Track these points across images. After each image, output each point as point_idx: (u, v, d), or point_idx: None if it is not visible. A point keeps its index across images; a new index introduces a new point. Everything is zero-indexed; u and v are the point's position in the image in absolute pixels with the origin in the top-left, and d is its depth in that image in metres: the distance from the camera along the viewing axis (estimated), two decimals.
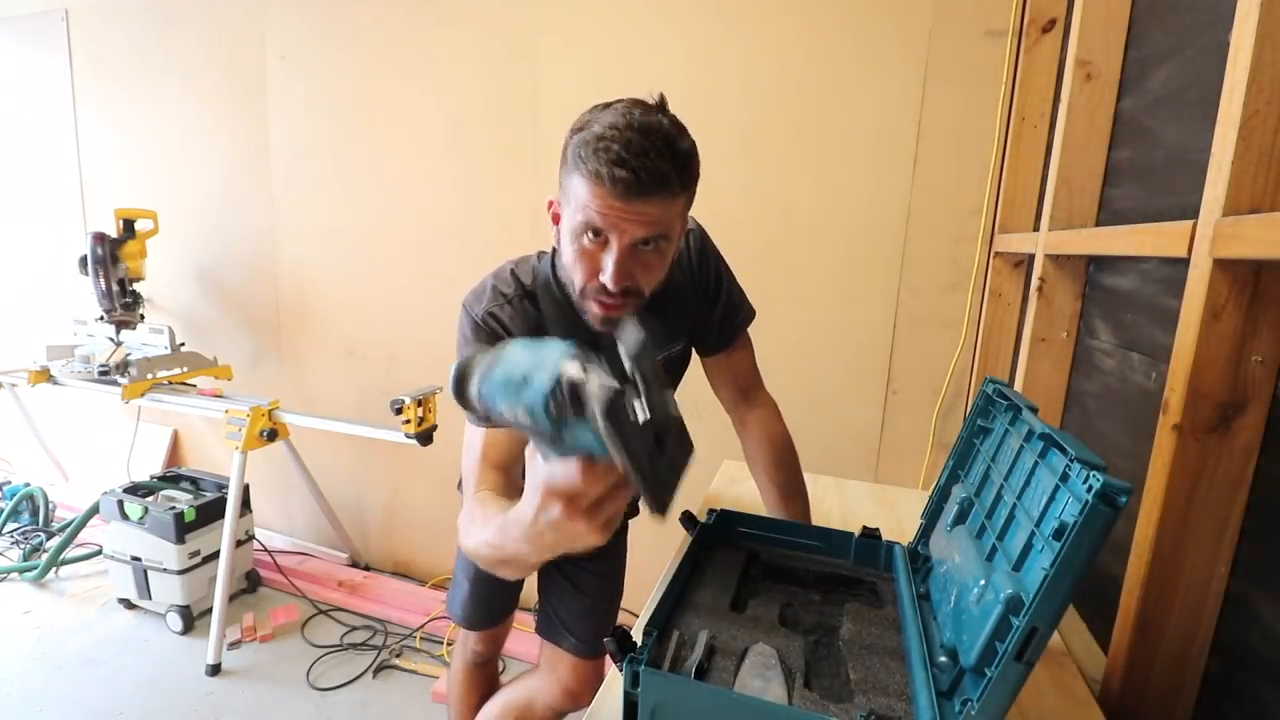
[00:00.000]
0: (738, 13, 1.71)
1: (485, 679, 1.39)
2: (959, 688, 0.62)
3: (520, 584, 1.23)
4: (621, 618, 2.22)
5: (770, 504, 1.10)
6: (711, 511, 0.92)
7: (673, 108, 0.78)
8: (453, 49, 2.05)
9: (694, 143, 0.77)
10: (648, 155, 0.70)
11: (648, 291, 0.81)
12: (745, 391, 1.12)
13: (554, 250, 0.88)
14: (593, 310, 0.81)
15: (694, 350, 1.09)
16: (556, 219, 0.82)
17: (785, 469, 1.10)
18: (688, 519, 0.92)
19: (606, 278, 0.76)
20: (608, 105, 0.75)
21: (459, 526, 0.72)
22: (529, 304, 0.89)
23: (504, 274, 0.92)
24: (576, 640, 1.18)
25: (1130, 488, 0.49)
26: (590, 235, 0.76)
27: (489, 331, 0.86)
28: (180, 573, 2.06)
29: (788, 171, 1.75)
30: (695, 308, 1.02)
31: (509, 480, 0.80)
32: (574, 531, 0.47)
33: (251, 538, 2.33)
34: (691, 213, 0.88)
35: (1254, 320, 0.65)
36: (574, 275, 0.80)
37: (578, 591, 1.19)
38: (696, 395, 1.10)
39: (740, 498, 1.33)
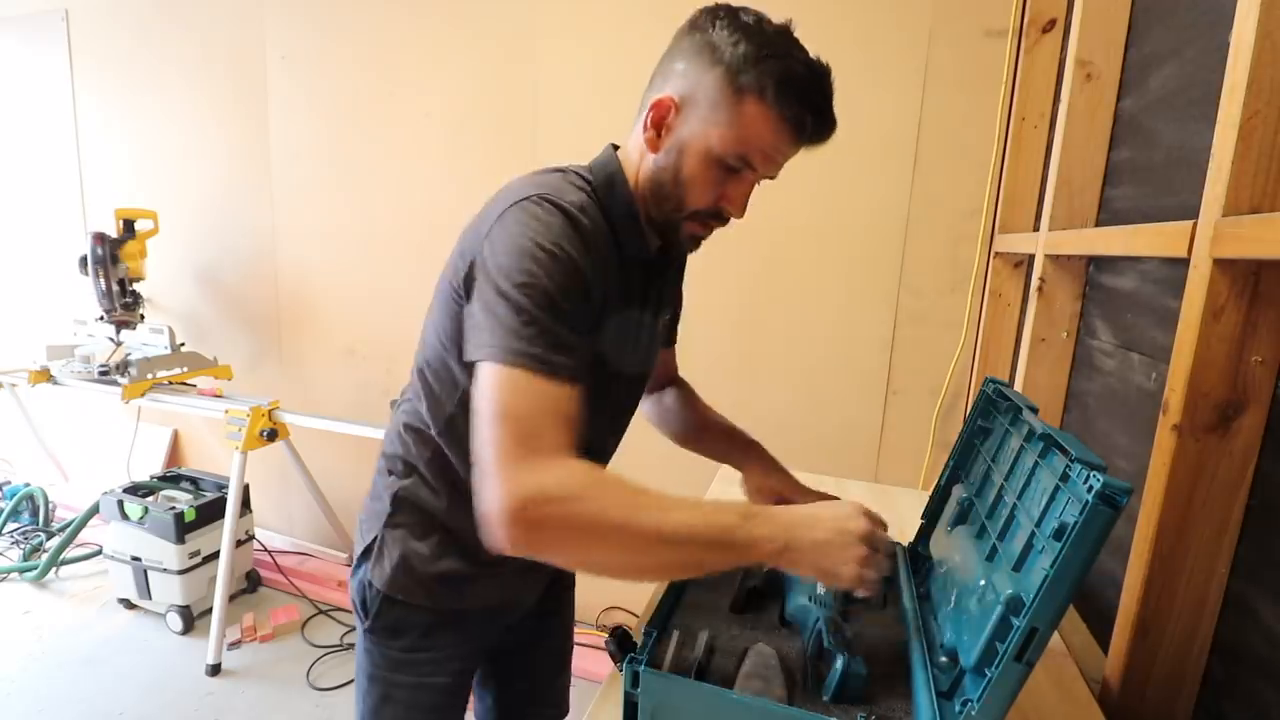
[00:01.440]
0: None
1: None
2: (959, 688, 0.62)
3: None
4: (622, 617, 2.22)
5: (714, 441, 1.02)
6: None
7: None
8: (453, 49, 2.05)
9: None
10: (831, 105, 0.67)
11: None
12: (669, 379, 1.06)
13: (609, 158, 0.75)
14: (693, 231, 0.74)
15: None
16: (661, 122, 0.69)
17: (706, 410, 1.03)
18: None
19: (735, 209, 0.71)
20: (759, 20, 0.68)
21: (588, 483, 0.55)
22: (594, 203, 0.71)
23: (551, 175, 0.73)
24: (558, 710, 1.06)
25: (1130, 488, 0.49)
26: (734, 166, 0.68)
27: (579, 224, 0.64)
28: (180, 573, 2.06)
29: (787, 172, 1.74)
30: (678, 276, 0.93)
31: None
32: (857, 550, 0.58)
33: (251, 538, 2.33)
34: None
35: (1254, 320, 0.64)
36: (686, 194, 0.70)
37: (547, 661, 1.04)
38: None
39: (739, 498, 1.32)
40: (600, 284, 0.66)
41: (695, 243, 0.76)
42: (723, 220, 0.73)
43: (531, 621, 0.95)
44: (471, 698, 0.97)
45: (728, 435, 1.00)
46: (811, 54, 0.68)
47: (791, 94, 0.64)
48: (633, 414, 0.90)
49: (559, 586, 1.00)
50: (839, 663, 0.63)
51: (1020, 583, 0.57)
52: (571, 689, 1.09)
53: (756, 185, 0.72)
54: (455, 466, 0.75)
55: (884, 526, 0.65)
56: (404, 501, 0.78)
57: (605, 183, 0.74)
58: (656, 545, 0.55)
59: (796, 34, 0.69)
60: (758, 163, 0.68)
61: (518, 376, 0.57)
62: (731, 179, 0.70)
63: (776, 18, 0.69)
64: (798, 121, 0.65)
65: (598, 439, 0.83)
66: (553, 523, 0.54)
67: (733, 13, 0.68)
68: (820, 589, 0.74)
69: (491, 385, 0.57)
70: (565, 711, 1.08)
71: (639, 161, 0.73)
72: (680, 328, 1.03)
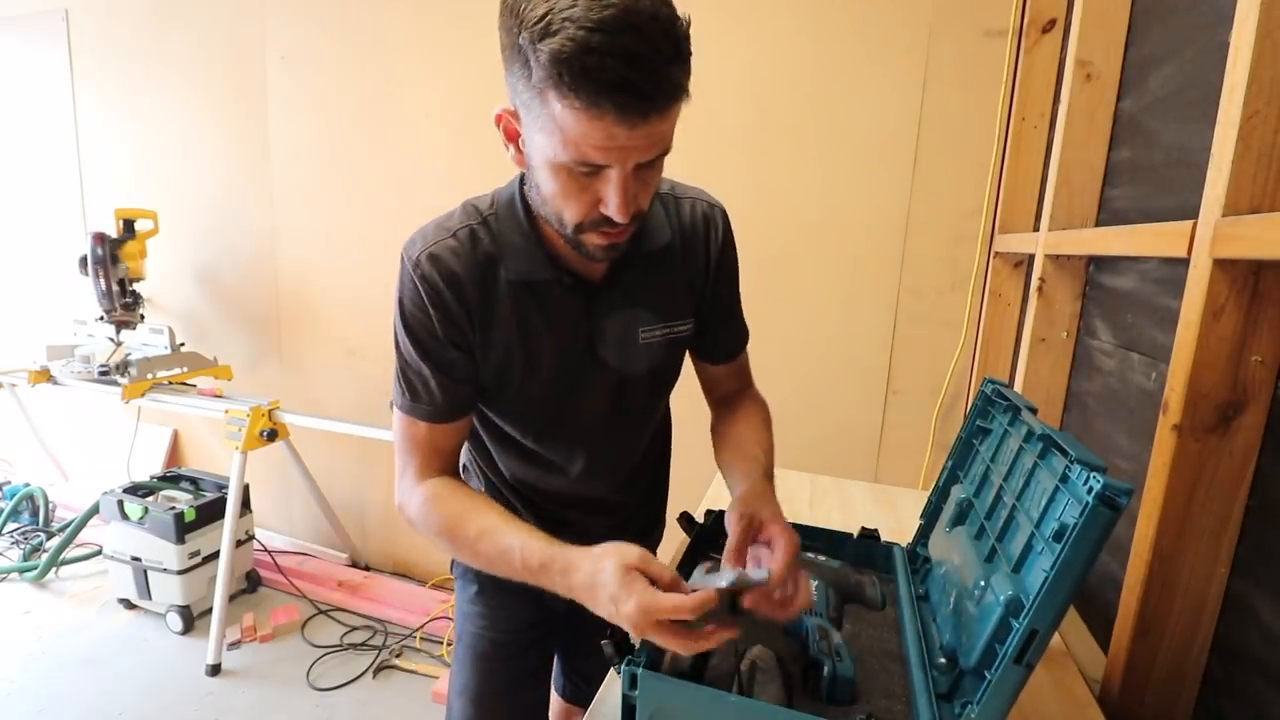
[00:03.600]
0: (737, 12, 1.71)
1: None
2: (958, 690, 0.62)
3: (546, 695, 1.06)
4: None
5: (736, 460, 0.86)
6: (709, 513, 0.92)
7: None
8: (453, 49, 2.05)
9: (683, 15, 0.58)
10: (652, 63, 0.53)
11: (648, 206, 0.67)
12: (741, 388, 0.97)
13: (521, 176, 0.73)
14: (595, 242, 0.67)
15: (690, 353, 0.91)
16: (513, 136, 0.64)
17: (767, 444, 0.86)
18: (686, 521, 0.91)
19: (612, 210, 0.61)
20: None
21: (417, 508, 0.75)
22: (481, 230, 0.73)
23: (451, 210, 0.77)
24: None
25: (1131, 489, 0.49)
26: (583, 169, 0.60)
27: (425, 279, 0.71)
28: (180, 573, 2.06)
29: (788, 172, 1.75)
30: (696, 279, 0.84)
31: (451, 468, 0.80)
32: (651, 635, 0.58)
33: (251, 538, 2.33)
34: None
35: (1254, 320, 0.64)
36: (563, 212, 0.64)
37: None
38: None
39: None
40: (472, 320, 0.73)
41: (606, 252, 0.68)
42: (615, 226, 0.64)
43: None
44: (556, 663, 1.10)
45: (735, 451, 0.86)
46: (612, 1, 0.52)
47: (575, 75, 0.52)
48: (645, 415, 0.89)
49: None
50: (825, 668, 0.64)
51: (1020, 584, 0.57)
52: None
53: (633, 173, 0.61)
54: (476, 460, 0.91)
55: (661, 579, 0.60)
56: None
57: (505, 207, 0.74)
58: (477, 561, 0.73)
59: None
60: (601, 159, 0.58)
61: (397, 416, 0.78)
62: (595, 181, 0.61)
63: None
64: (595, 110, 0.53)
65: (587, 444, 0.84)
66: (410, 524, 0.77)
67: None
68: (811, 596, 0.74)
69: (394, 420, 0.79)
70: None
71: None
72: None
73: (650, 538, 1.01)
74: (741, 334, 0.93)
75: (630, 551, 0.61)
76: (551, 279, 0.74)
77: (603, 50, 0.51)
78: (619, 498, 0.92)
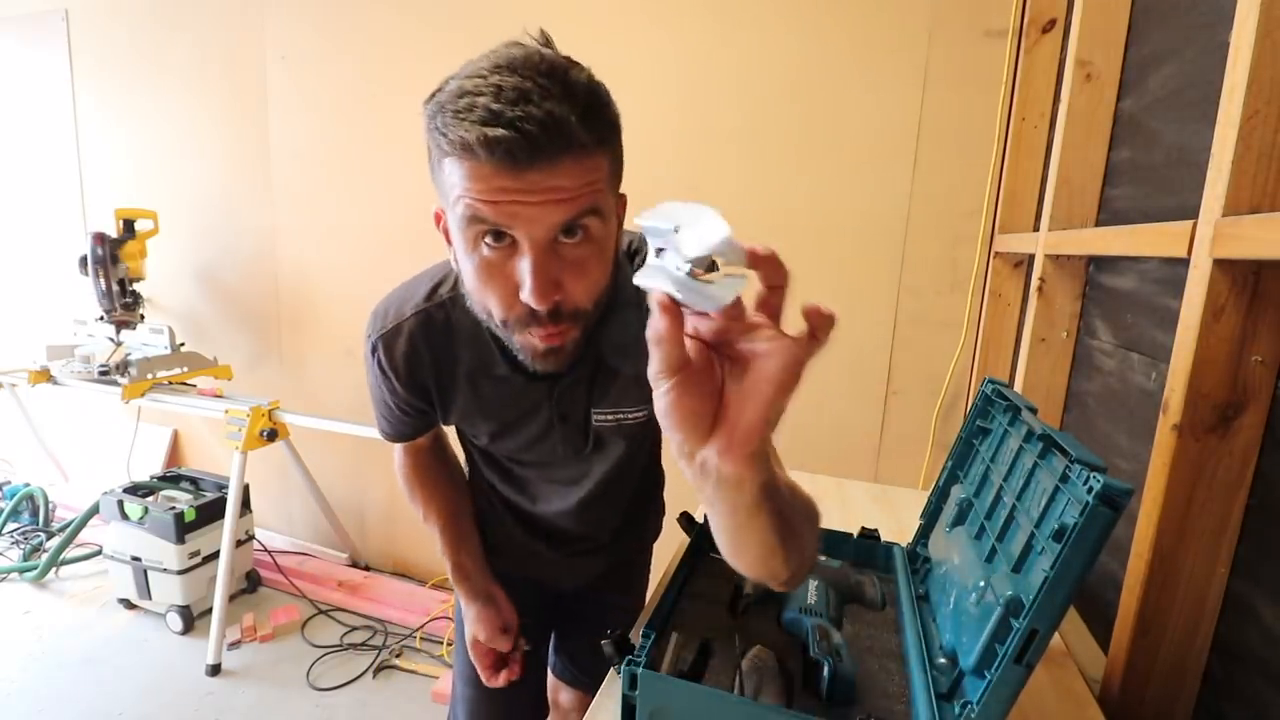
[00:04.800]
0: (736, 14, 1.71)
1: None
2: (958, 690, 0.62)
3: (543, 690, 1.15)
4: None
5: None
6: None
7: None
8: (452, 49, 2.04)
9: (598, 81, 0.55)
10: (530, 99, 0.49)
11: (588, 302, 0.59)
12: None
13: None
14: (531, 344, 0.60)
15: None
16: (448, 236, 0.61)
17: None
18: (686, 521, 0.91)
19: (526, 292, 0.54)
20: (450, 79, 0.55)
21: (402, 468, 0.95)
22: (437, 314, 0.73)
23: (415, 283, 0.76)
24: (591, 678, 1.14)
25: (1131, 490, 0.49)
26: (489, 241, 0.54)
27: (379, 364, 0.77)
28: (180, 573, 2.06)
29: (787, 173, 1.75)
30: None
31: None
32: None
33: (251, 538, 2.33)
34: None
35: (1254, 320, 0.64)
36: (488, 305, 0.59)
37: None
38: None
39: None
40: (428, 393, 0.79)
41: (544, 359, 0.62)
42: (539, 320, 0.57)
43: (591, 595, 1.07)
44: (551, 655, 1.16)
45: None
46: (503, 52, 0.52)
47: (450, 117, 0.51)
48: (614, 484, 0.88)
49: (626, 571, 1.11)
50: (825, 668, 0.64)
51: (1020, 584, 0.57)
52: None
53: (547, 247, 0.54)
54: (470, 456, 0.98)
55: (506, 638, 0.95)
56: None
57: (464, 294, 0.66)
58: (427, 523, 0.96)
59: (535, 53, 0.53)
60: (495, 218, 0.52)
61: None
62: (508, 262, 0.55)
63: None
64: (466, 146, 0.50)
65: (555, 498, 0.91)
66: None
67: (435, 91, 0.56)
68: (811, 598, 0.74)
69: None
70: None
71: None
72: None
73: (629, 558, 1.10)
74: None
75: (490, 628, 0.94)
76: (507, 374, 0.74)
77: (475, 91, 0.50)
78: (590, 532, 0.97)
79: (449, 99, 0.51)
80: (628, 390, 0.76)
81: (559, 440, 0.80)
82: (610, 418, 0.77)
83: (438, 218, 0.63)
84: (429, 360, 0.76)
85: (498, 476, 0.93)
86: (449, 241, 0.61)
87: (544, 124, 0.49)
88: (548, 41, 0.55)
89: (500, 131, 0.48)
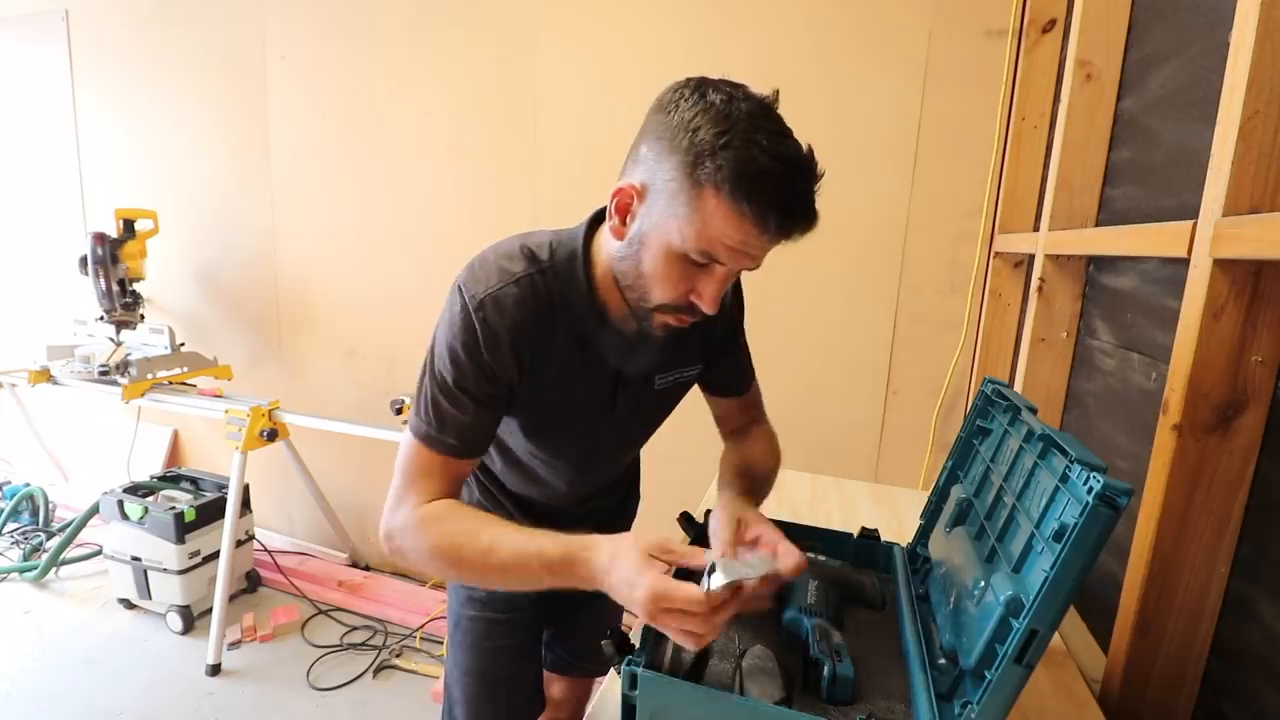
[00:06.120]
0: (738, 13, 1.71)
1: None
2: (958, 690, 0.62)
3: (541, 694, 1.12)
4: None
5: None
6: (709, 513, 0.92)
7: None
8: (453, 49, 2.05)
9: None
10: (807, 197, 0.61)
11: None
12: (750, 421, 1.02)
13: (586, 233, 0.75)
14: (664, 321, 0.71)
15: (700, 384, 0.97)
16: (625, 210, 0.67)
17: (762, 469, 0.92)
18: (686, 521, 0.91)
19: (705, 302, 0.66)
20: (729, 98, 0.60)
21: (414, 529, 0.72)
22: (540, 280, 0.74)
23: (510, 248, 0.76)
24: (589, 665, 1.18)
25: (1131, 490, 0.49)
26: (698, 261, 0.64)
27: (487, 323, 0.71)
28: (180, 573, 2.06)
29: None
30: (713, 331, 0.88)
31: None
32: (668, 624, 0.60)
33: (251, 538, 2.33)
34: None
35: (1254, 320, 0.64)
36: (653, 291, 0.68)
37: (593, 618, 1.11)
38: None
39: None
40: (522, 368, 0.75)
41: (666, 330, 0.72)
42: (695, 314, 0.69)
43: (584, 594, 1.03)
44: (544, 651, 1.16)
45: (727, 469, 0.93)
46: (793, 136, 0.61)
47: (752, 188, 0.58)
48: (641, 443, 0.99)
49: None
50: (825, 668, 0.64)
51: (1020, 584, 0.57)
52: None
53: (733, 277, 0.67)
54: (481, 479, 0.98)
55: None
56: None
57: (565, 260, 0.74)
58: (485, 571, 0.71)
59: (779, 109, 0.62)
60: (724, 258, 0.63)
61: (411, 442, 0.76)
62: (700, 273, 0.66)
63: (762, 88, 0.62)
64: (760, 218, 0.59)
65: (584, 467, 0.92)
66: (399, 552, 0.74)
67: (700, 90, 0.62)
68: (810, 598, 0.75)
69: (402, 442, 0.77)
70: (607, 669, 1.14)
71: (607, 246, 0.72)
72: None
73: (624, 521, 1.13)
74: (748, 370, 0.98)
75: (651, 536, 0.64)
76: (598, 334, 0.77)
77: (778, 176, 0.59)
78: (603, 502, 1.03)
79: (755, 169, 0.58)
80: (681, 351, 0.86)
81: (610, 409, 0.84)
82: (669, 379, 0.87)
83: (630, 196, 0.66)
84: (531, 328, 0.73)
85: (518, 478, 0.94)
86: (622, 215, 0.68)
87: (808, 216, 0.61)
88: (780, 117, 0.63)
89: (785, 219, 0.60)
